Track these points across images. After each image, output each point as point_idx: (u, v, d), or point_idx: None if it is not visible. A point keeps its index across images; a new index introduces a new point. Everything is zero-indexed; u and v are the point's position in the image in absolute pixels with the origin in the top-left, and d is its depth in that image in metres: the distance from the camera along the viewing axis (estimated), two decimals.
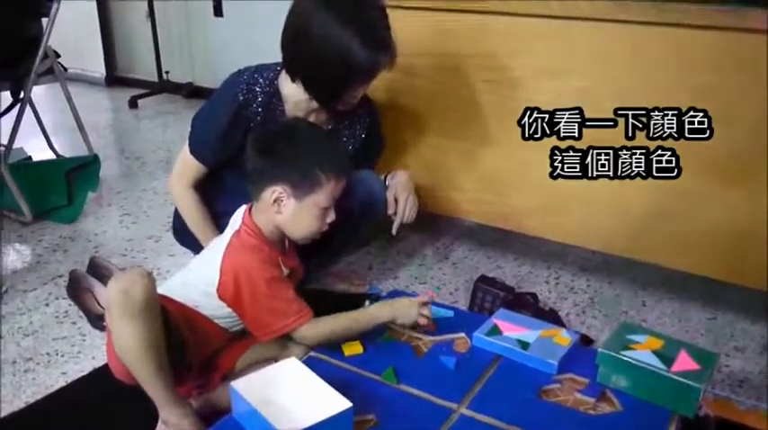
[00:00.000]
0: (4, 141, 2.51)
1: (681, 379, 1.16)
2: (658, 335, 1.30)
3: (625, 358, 1.22)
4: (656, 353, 1.24)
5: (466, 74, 1.70)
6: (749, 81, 1.36)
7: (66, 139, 3.08)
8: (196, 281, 1.30)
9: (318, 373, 1.23)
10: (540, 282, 1.98)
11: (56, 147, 2.95)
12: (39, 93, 2.81)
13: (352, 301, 1.76)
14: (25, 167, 2.58)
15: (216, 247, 1.31)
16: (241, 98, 1.51)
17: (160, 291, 1.32)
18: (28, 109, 2.75)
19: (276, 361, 1.36)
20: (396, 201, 1.64)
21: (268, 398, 1.13)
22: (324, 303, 1.73)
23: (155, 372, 1.14)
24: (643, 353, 1.24)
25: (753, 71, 1.35)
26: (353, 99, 1.53)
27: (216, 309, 1.29)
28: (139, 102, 3.96)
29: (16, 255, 2.10)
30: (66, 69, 2.77)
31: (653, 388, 1.20)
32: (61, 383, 1.48)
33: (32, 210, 2.29)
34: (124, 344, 1.13)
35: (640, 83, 1.50)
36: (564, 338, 1.37)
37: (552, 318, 1.72)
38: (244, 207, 1.36)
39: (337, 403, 1.09)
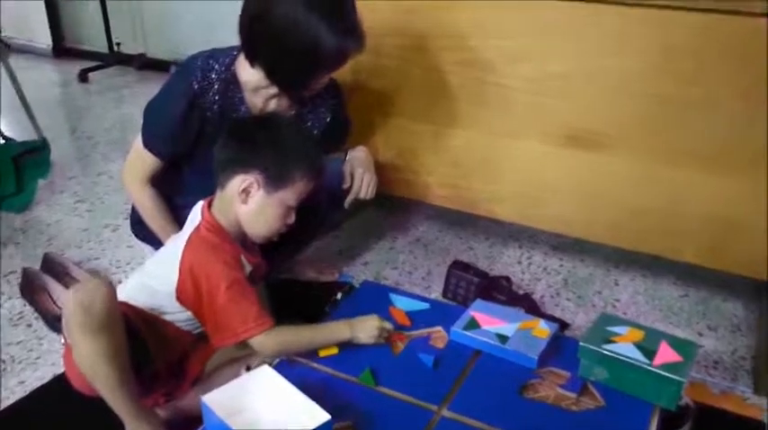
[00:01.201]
0: None
1: (664, 373, 1.15)
2: (638, 326, 1.28)
3: (607, 352, 1.20)
4: (637, 345, 1.22)
5: (435, 55, 1.62)
6: (734, 67, 1.32)
7: (14, 119, 2.89)
8: (154, 283, 1.23)
9: (292, 376, 1.18)
10: (512, 262, 1.95)
11: (2, 128, 2.79)
12: None
13: (323, 290, 1.72)
14: None
15: (174, 246, 1.24)
16: (196, 86, 1.41)
17: (118, 296, 1.25)
18: None
19: (246, 361, 1.32)
20: (352, 176, 1.57)
21: (241, 410, 1.08)
22: (295, 293, 1.71)
23: (119, 387, 1.08)
24: (625, 346, 1.22)
25: (738, 56, 1.31)
26: (319, 86, 1.44)
27: (177, 312, 1.22)
28: (90, 75, 3.77)
29: None
30: (8, 46, 2.59)
31: (635, 381, 1.18)
32: (19, 394, 1.40)
33: None
34: (86, 361, 1.06)
35: (620, 69, 1.45)
36: (542, 330, 1.34)
37: (527, 302, 1.70)
38: (201, 202, 1.29)
39: (315, 415, 1.04)
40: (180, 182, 1.54)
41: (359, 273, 1.89)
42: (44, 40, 4.26)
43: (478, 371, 1.27)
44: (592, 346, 1.21)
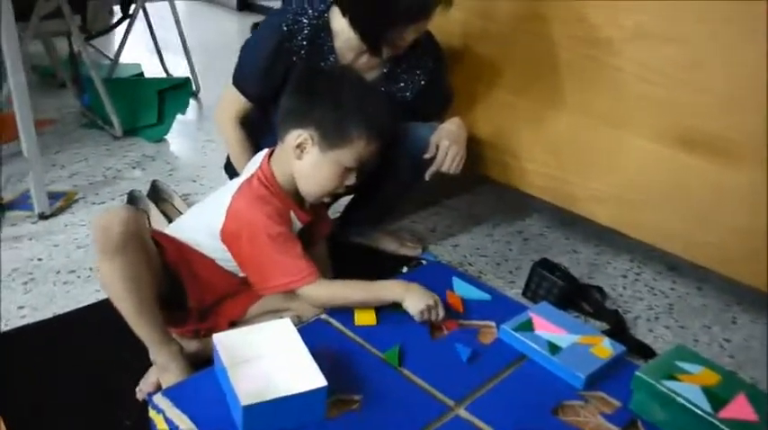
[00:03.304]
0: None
1: (727, 429, 0.95)
2: (717, 368, 1.08)
3: (663, 389, 1.02)
4: (706, 390, 1.02)
5: (549, 24, 1.45)
6: None
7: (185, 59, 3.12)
8: (203, 221, 1.24)
9: (322, 339, 1.15)
10: (616, 275, 1.75)
11: (171, 66, 3.02)
12: (166, 10, 2.85)
13: (394, 262, 1.64)
14: (122, 83, 2.65)
15: (227, 189, 1.24)
16: (285, 29, 1.39)
17: (169, 229, 1.28)
18: (145, 26, 2.84)
19: (285, 313, 1.30)
20: (438, 147, 1.46)
21: (247, 358, 1.05)
22: (361, 259, 1.64)
23: (138, 310, 1.10)
24: (690, 386, 1.03)
25: None
26: (402, 42, 1.36)
27: (220, 252, 1.22)
28: None
29: (98, 168, 2.16)
30: None
31: None
32: (92, 300, 1.50)
33: (123, 126, 2.35)
34: (107, 282, 1.09)
35: (757, 67, 1.20)
36: (604, 349, 1.18)
37: (613, 320, 1.51)
38: (265, 151, 1.27)
39: (313, 379, 0.99)
40: (266, 126, 1.54)
41: (445, 253, 1.79)
42: None
43: (516, 378, 1.14)
44: (647, 378, 1.04)
